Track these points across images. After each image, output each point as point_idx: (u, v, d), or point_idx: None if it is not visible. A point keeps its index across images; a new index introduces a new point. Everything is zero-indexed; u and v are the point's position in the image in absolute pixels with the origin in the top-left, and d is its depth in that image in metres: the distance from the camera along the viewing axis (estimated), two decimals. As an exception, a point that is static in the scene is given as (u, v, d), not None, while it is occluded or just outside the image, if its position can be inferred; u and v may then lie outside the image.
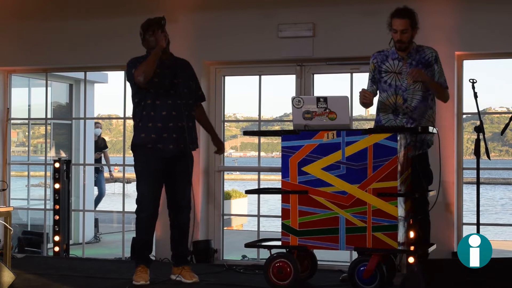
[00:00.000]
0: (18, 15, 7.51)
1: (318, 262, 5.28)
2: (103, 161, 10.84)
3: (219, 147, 5.53)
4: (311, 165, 4.84)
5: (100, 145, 10.57)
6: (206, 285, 5.20)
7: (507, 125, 6.22)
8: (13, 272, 4.94)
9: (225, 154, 7.23)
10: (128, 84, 7.18)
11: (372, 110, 5.50)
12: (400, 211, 4.74)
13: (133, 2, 7.10)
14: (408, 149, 5.01)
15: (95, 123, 10.25)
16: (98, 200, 10.55)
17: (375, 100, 5.33)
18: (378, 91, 5.31)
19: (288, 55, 6.67)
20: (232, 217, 14.23)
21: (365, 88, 5.26)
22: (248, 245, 5.24)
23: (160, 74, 5.06)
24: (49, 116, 8.06)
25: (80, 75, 8.88)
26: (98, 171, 10.34)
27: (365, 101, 5.18)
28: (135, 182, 5.25)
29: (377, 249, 4.68)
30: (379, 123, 5.28)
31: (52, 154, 9.27)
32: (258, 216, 7.22)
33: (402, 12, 5.10)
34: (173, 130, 5.10)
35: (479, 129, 5.08)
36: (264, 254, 5.89)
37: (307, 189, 4.83)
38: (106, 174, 11.22)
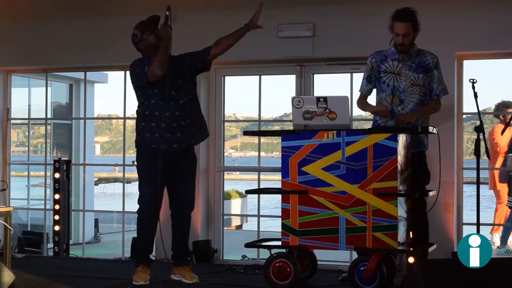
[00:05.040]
0: (18, 15, 7.51)
1: (318, 262, 5.28)
2: None
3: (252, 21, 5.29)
4: (311, 165, 4.83)
5: None
6: (206, 285, 5.20)
7: (507, 125, 6.22)
8: (13, 272, 4.94)
9: (225, 154, 7.23)
10: (128, 84, 7.23)
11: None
12: (400, 211, 4.74)
13: (133, 2, 7.10)
14: (408, 149, 5.01)
15: None
16: None
17: (373, 101, 5.33)
18: (376, 91, 5.29)
19: (288, 55, 6.67)
20: (232, 217, 14.26)
21: (363, 89, 5.29)
22: (248, 245, 5.24)
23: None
24: (49, 116, 8.06)
25: (80, 75, 8.88)
26: None
27: (385, 115, 5.14)
28: (137, 182, 5.25)
29: (377, 249, 4.68)
30: (376, 123, 5.27)
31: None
32: (258, 216, 7.22)
33: (404, 16, 5.03)
34: (177, 130, 5.09)
35: (479, 129, 5.08)
36: (264, 254, 5.89)
37: (307, 189, 4.83)
38: None
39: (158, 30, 5.08)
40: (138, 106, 5.20)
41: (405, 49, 5.11)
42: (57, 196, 7.11)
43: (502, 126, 7.20)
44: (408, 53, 5.14)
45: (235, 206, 15.09)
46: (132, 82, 5.16)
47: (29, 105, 8.75)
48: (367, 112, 5.79)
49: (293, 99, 4.91)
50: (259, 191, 5.63)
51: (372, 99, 5.34)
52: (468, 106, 6.08)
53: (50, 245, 7.47)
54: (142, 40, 5.16)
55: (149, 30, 5.13)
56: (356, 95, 5.45)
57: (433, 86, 5.16)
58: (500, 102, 7.69)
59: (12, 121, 7.95)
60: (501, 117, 7.68)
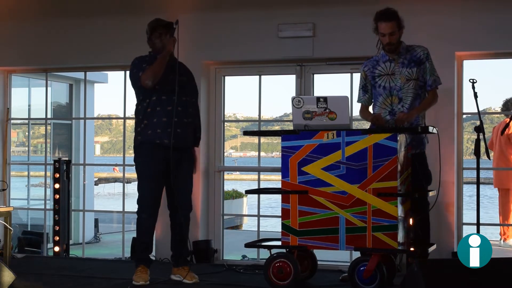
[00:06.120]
0: (18, 15, 7.50)
1: (318, 262, 5.29)
2: None
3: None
4: (311, 165, 4.84)
5: None
6: (206, 285, 5.20)
7: (507, 125, 6.22)
8: (13, 272, 4.94)
9: (225, 154, 7.23)
10: (128, 83, 7.23)
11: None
12: (400, 211, 4.74)
13: (134, 2, 7.09)
14: (408, 148, 5.01)
15: None
16: None
17: (371, 110, 5.35)
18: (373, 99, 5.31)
19: (288, 55, 6.67)
20: (234, 217, 14.30)
21: (360, 98, 5.32)
22: (248, 245, 5.24)
23: (165, 71, 5.07)
24: (49, 116, 8.06)
25: (80, 75, 8.88)
26: None
27: (378, 124, 5.14)
28: (136, 182, 5.26)
29: (377, 249, 4.68)
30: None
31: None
32: (258, 216, 7.21)
33: (387, 15, 5.10)
34: (178, 125, 5.11)
35: (479, 129, 5.08)
36: (264, 254, 5.89)
37: (307, 189, 4.83)
38: None
39: (165, 37, 5.12)
40: (137, 104, 5.22)
41: (393, 48, 5.15)
42: (57, 196, 7.11)
43: None
44: (397, 51, 5.17)
45: (237, 206, 15.14)
46: (129, 79, 5.24)
47: (29, 105, 8.75)
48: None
49: (293, 99, 4.91)
50: (259, 191, 5.63)
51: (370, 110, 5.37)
52: (468, 106, 6.09)
53: (50, 245, 7.47)
54: (149, 40, 5.23)
55: (157, 33, 5.17)
56: (356, 95, 5.45)
57: (426, 78, 5.19)
58: (509, 99, 7.66)
59: (12, 121, 7.94)
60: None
